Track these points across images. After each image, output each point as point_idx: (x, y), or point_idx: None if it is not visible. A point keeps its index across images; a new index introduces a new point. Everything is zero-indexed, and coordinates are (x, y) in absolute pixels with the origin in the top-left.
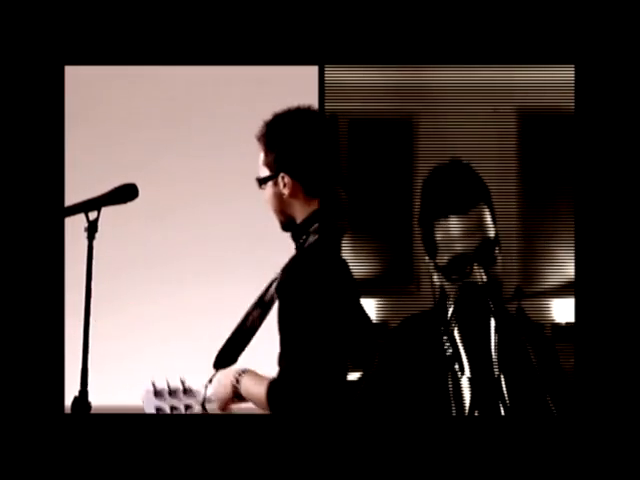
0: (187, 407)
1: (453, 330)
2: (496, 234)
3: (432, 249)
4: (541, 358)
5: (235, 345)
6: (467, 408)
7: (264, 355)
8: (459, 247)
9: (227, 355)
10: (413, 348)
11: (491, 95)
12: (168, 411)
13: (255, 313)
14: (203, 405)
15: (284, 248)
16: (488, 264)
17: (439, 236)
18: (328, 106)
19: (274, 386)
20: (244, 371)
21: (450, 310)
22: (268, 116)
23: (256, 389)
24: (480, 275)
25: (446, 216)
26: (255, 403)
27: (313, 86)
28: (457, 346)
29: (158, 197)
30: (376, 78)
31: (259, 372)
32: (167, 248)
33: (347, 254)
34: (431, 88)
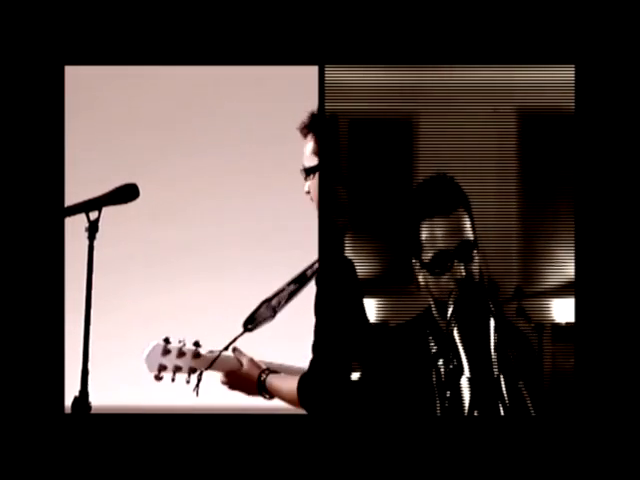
0: (191, 370)
1: (453, 330)
2: (475, 238)
3: (417, 249)
4: (520, 357)
5: (282, 297)
6: (467, 408)
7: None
8: (441, 244)
9: (267, 309)
10: (405, 352)
11: (491, 95)
12: (171, 371)
13: (310, 271)
14: (201, 372)
15: (284, 247)
16: (467, 261)
17: (424, 235)
18: (328, 106)
19: (304, 379)
20: (268, 369)
21: (449, 310)
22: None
23: (287, 385)
24: (460, 270)
25: (431, 217)
26: (285, 399)
27: (313, 86)
28: (456, 346)
29: (159, 197)
30: (376, 78)
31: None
32: (168, 247)
33: (347, 254)
34: (431, 88)
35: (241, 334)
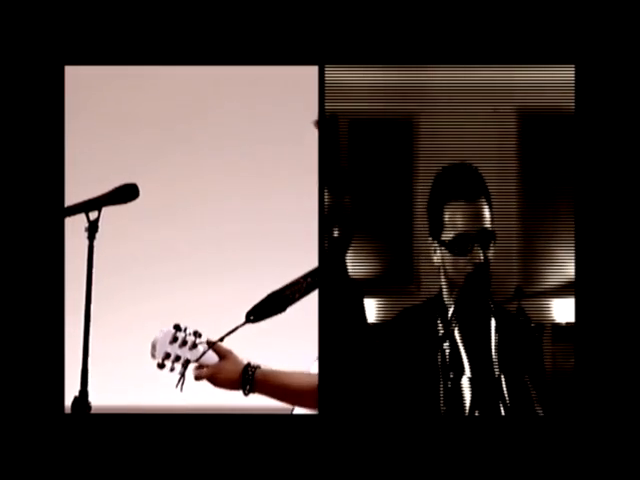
0: (186, 362)
1: (453, 330)
2: (493, 230)
3: (437, 229)
4: (528, 357)
5: (296, 290)
6: (467, 408)
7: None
8: (463, 227)
9: (277, 301)
10: (410, 341)
11: (491, 95)
12: (170, 360)
13: None
14: (186, 365)
15: (284, 247)
16: (485, 248)
17: (447, 216)
18: (328, 106)
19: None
20: (258, 366)
21: (450, 310)
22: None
23: (304, 380)
24: (478, 255)
25: (456, 200)
26: (290, 392)
27: (313, 86)
28: (457, 346)
29: (159, 197)
30: (376, 78)
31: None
32: (167, 247)
33: (347, 254)
34: (431, 88)
35: (242, 324)
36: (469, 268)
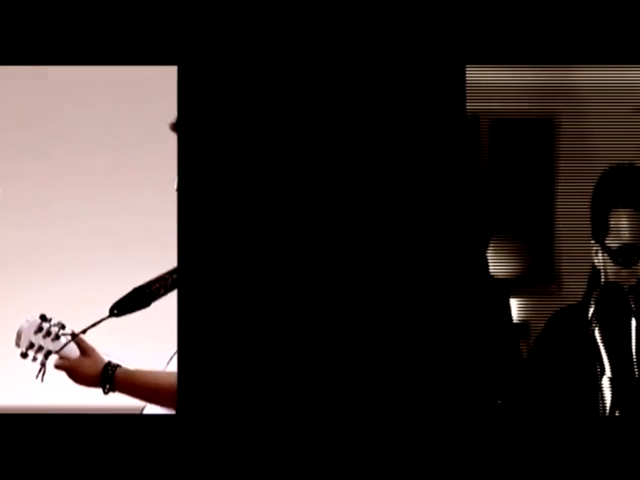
0: (48, 353)
1: (594, 330)
2: None
3: (602, 232)
4: None
5: (162, 285)
6: (608, 408)
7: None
8: (630, 237)
9: (140, 296)
10: (563, 342)
11: (632, 95)
12: (33, 350)
13: None
14: (47, 356)
15: (144, 244)
16: None
17: (613, 222)
18: (469, 106)
19: None
20: (119, 365)
21: (591, 310)
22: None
23: (164, 379)
24: None
25: (624, 206)
26: (147, 395)
27: (171, 88)
28: (598, 346)
29: (19, 196)
30: (517, 78)
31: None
32: (28, 246)
33: (489, 254)
34: (572, 88)
35: (105, 318)
36: (632, 280)
